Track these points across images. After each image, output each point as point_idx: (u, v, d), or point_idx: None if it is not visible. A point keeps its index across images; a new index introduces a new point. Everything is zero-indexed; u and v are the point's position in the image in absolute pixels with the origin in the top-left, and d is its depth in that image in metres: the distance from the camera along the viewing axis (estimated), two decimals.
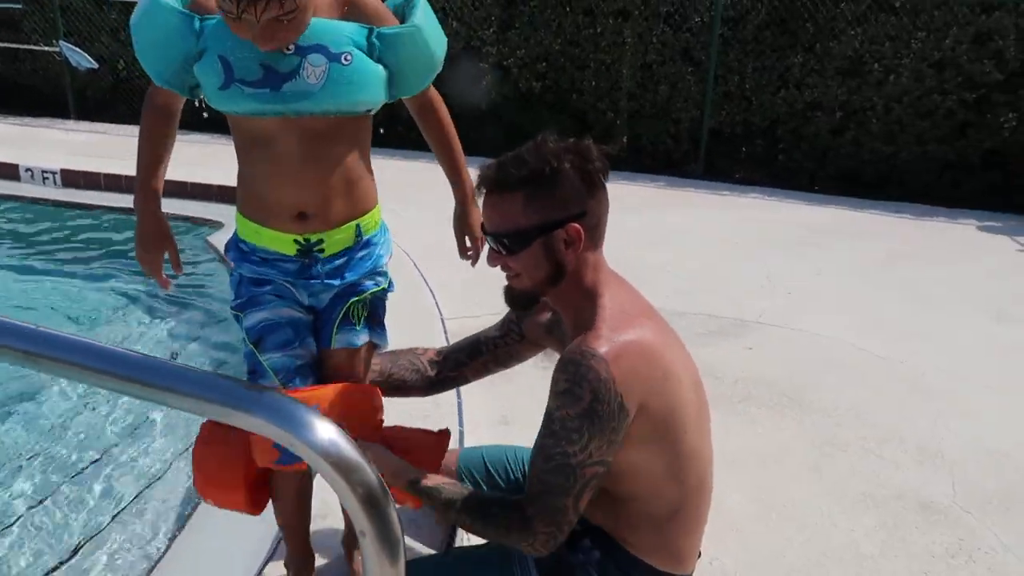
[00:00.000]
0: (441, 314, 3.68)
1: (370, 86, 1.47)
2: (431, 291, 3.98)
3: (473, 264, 1.83)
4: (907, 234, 5.70)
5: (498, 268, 1.49)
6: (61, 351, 1.10)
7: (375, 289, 1.67)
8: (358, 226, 1.61)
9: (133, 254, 1.70)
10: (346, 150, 1.54)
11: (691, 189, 6.79)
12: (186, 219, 5.05)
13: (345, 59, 1.42)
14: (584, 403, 1.32)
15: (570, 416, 1.34)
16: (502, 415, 2.90)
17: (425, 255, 4.32)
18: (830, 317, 4.01)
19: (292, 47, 1.40)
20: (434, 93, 1.72)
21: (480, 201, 1.48)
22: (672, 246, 5.07)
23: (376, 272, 1.68)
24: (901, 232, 5.76)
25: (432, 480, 1.50)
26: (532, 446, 1.88)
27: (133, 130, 6.86)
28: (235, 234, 1.65)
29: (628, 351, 1.35)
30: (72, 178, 6.00)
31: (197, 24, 1.42)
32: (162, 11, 1.43)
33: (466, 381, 1.89)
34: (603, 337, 1.35)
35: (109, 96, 8.72)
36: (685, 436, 1.44)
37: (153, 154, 1.67)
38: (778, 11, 6.71)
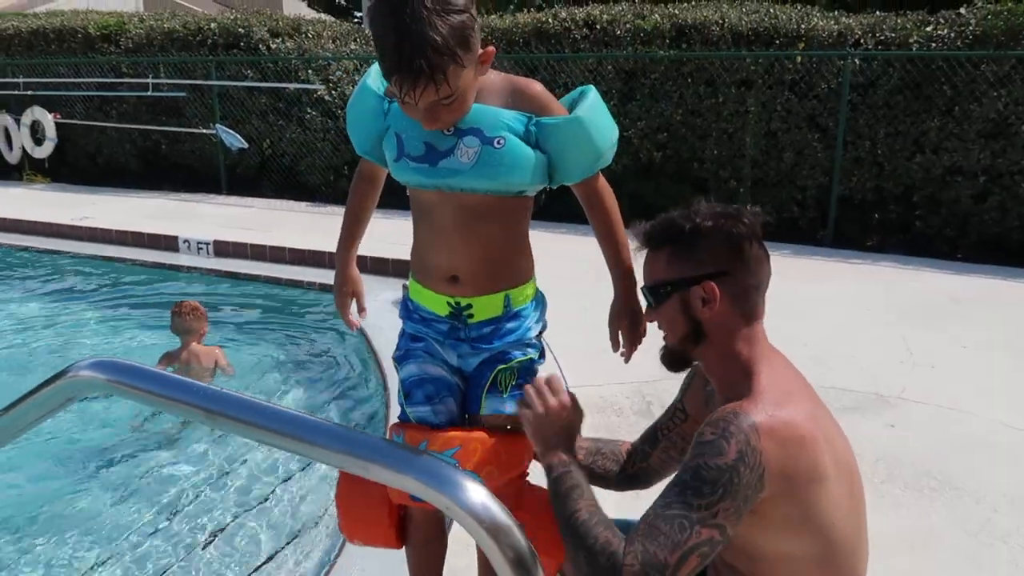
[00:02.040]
0: (565, 381, 3.70)
1: (520, 169, 1.56)
2: (554, 357, 4.01)
3: (625, 361, 1.79)
4: None
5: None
6: (238, 411, 1.20)
7: (522, 358, 1.71)
8: (507, 297, 1.68)
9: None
10: (498, 227, 1.64)
11: (820, 258, 6.57)
12: (327, 286, 5.36)
13: (498, 143, 1.54)
14: (728, 457, 1.26)
15: (707, 467, 1.27)
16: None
17: (549, 322, 4.37)
18: (978, 394, 3.74)
19: (452, 129, 1.54)
20: (601, 184, 1.74)
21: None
22: (804, 317, 4.90)
23: (524, 343, 1.73)
24: None
25: (579, 470, 1.46)
26: None
27: (276, 204, 7.45)
28: (406, 294, 1.82)
29: (782, 430, 1.28)
30: (223, 248, 6.51)
31: (386, 106, 1.64)
32: (365, 94, 1.67)
33: (656, 474, 1.82)
34: (760, 407, 1.30)
35: (256, 173, 9.46)
36: (833, 530, 1.35)
37: (353, 216, 1.92)
38: (911, 75, 6.53)
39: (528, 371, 1.74)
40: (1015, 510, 2.74)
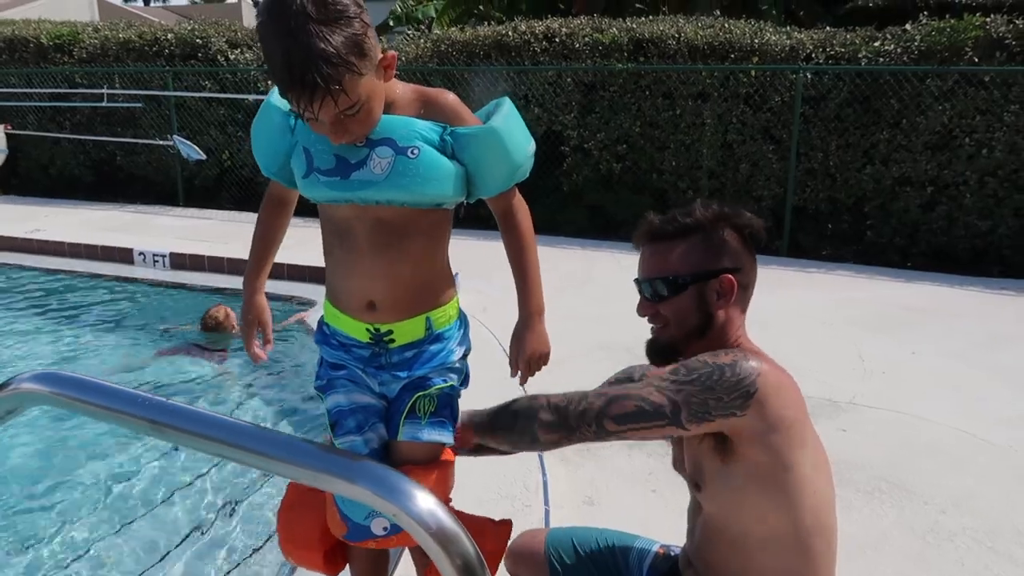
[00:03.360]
0: (525, 391, 3.71)
1: (437, 180, 1.50)
2: None
3: (521, 383, 1.75)
4: (1008, 313, 5.45)
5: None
6: (181, 420, 1.19)
7: (442, 385, 1.65)
8: (428, 319, 1.62)
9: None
10: (418, 243, 1.57)
11: (776, 267, 6.70)
12: (285, 298, 5.31)
13: (412, 152, 1.48)
14: (719, 360, 1.33)
15: (698, 360, 1.35)
16: (587, 496, 2.88)
17: (508, 331, 4.38)
18: (927, 399, 3.84)
19: (364, 140, 1.49)
20: (517, 200, 1.68)
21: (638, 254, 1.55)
22: (758, 326, 4.97)
23: (447, 368, 1.67)
24: (1001, 310, 5.51)
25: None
26: (622, 530, 1.86)
27: (235, 215, 7.36)
28: (322, 316, 1.75)
29: (779, 377, 1.35)
30: (179, 260, 6.42)
31: (292, 121, 1.58)
32: (269, 111, 1.61)
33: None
34: (755, 356, 1.37)
35: (214, 184, 9.34)
36: (816, 512, 1.38)
37: (262, 241, 1.81)
38: (861, 89, 6.71)
39: (448, 399, 1.68)
40: (960, 511, 2.82)
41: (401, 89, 1.56)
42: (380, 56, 1.42)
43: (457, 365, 1.69)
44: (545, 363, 1.72)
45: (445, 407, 1.66)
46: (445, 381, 1.66)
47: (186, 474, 3.25)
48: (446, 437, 1.65)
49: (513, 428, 1.51)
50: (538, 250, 1.71)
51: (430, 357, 1.64)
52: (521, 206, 1.68)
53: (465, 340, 1.73)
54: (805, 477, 1.36)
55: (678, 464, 1.63)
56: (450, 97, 1.56)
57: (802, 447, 1.36)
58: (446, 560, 1.02)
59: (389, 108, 1.51)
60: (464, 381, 1.74)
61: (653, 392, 1.34)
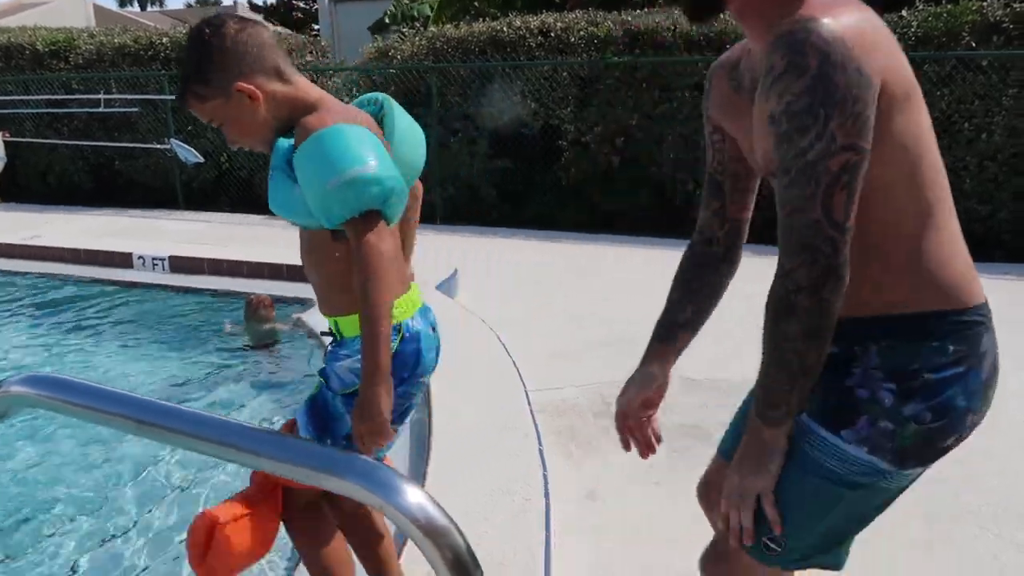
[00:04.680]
0: (525, 386, 3.70)
1: (286, 204, 1.60)
2: (513, 363, 4.01)
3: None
4: (1014, 296, 5.42)
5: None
6: (168, 420, 1.19)
7: (320, 380, 1.74)
8: (336, 323, 1.72)
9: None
10: (315, 256, 1.68)
11: (775, 256, 6.66)
12: (291, 300, 5.31)
13: (272, 176, 1.62)
14: (811, 70, 1.04)
15: (796, 97, 1.06)
16: (589, 490, 2.87)
17: (507, 327, 4.38)
18: None
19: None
20: (366, 241, 1.44)
21: None
22: (759, 317, 4.96)
23: (333, 370, 1.68)
24: (1003, 293, 5.48)
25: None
26: None
27: (234, 217, 7.34)
28: None
29: (856, 17, 1.09)
30: (179, 264, 6.41)
31: None
32: None
33: (745, 223, 1.62)
34: (819, 9, 1.08)
35: (212, 187, 9.34)
36: (925, 139, 1.19)
37: None
38: None
39: (318, 399, 1.72)
40: (972, 491, 2.80)
41: (323, 111, 1.54)
42: (236, 86, 1.51)
43: (340, 373, 1.67)
44: (385, 438, 1.49)
45: (314, 404, 1.74)
46: (322, 377, 1.73)
47: (185, 472, 3.25)
48: (303, 428, 1.74)
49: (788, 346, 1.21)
50: (386, 307, 1.45)
51: (332, 356, 1.72)
52: (369, 248, 1.44)
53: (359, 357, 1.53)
54: (916, 123, 1.18)
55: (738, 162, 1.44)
56: (310, 119, 1.50)
57: (907, 100, 1.15)
58: (436, 553, 1.01)
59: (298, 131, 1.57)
60: (347, 398, 1.64)
61: (830, 162, 1.07)
